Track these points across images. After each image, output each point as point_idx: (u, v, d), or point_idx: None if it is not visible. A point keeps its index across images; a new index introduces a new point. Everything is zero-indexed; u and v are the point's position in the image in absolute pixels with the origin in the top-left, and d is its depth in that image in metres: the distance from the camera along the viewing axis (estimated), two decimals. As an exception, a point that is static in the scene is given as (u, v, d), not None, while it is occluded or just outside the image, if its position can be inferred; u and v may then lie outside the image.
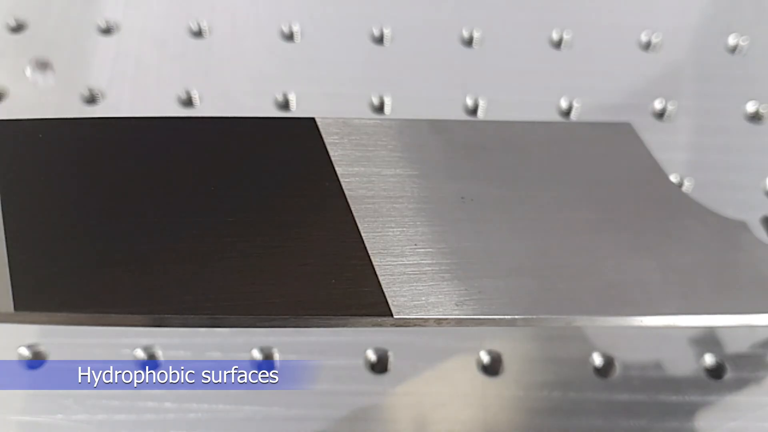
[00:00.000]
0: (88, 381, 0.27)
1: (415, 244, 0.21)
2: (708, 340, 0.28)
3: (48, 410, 0.26)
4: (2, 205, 0.20)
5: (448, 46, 0.36)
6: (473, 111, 0.34)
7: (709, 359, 0.28)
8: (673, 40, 0.37)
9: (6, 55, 0.35)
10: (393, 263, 0.21)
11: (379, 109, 0.34)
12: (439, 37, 0.36)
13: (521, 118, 0.26)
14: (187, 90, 0.34)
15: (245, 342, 0.28)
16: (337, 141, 0.23)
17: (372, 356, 0.28)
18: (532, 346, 0.28)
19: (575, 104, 0.34)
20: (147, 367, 0.27)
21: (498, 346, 0.28)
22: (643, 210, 0.24)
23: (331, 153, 0.23)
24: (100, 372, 0.27)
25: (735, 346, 0.28)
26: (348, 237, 0.21)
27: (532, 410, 0.27)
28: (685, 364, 0.28)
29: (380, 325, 0.20)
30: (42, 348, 0.27)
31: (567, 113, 0.34)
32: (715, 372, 0.28)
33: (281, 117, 0.33)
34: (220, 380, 0.27)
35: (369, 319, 0.20)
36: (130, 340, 0.28)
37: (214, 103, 0.34)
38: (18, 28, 0.35)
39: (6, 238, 0.20)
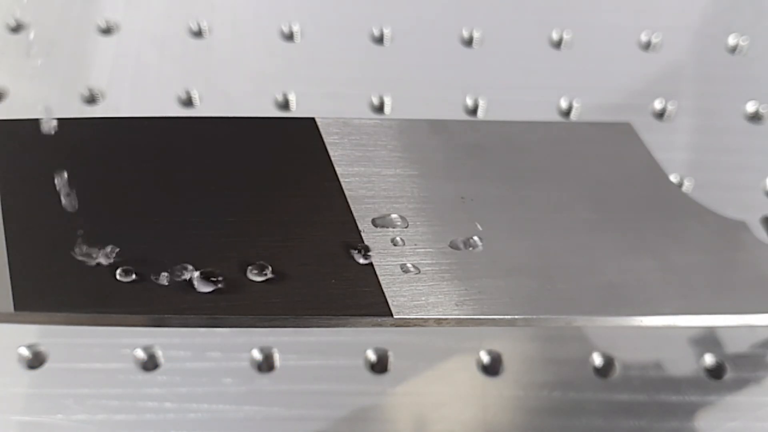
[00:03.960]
0: (88, 381, 0.27)
1: (415, 244, 0.21)
2: (708, 340, 0.28)
3: (48, 410, 0.26)
4: (2, 205, 0.20)
5: (448, 46, 0.36)
6: (473, 111, 0.34)
7: (709, 359, 0.28)
8: (673, 40, 0.37)
9: (6, 55, 0.35)
10: (393, 263, 0.21)
11: (379, 109, 0.34)
12: (439, 37, 0.36)
13: (521, 118, 0.26)
14: (187, 90, 0.34)
15: (245, 342, 0.28)
16: (337, 141, 0.23)
17: (372, 356, 0.28)
18: (532, 346, 0.28)
19: (575, 104, 0.34)
20: (147, 367, 0.27)
21: (498, 346, 0.28)
22: (643, 210, 0.24)
23: (331, 153, 0.23)
24: (100, 372, 0.27)
25: (735, 346, 0.28)
26: (348, 237, 0.21)
27: (532, 410, 0.27)
28: (685, 364, 0.28)
29: (380, 325, 0.20)
30: (42, 348, 0.27)
31: (567, 113, 0.34)
32: (715, 372, 0.28)
33: (281, 117, 0.33)
34: (220, 381, 0.27)
35: (369, 319, 0.20)
36: (130, 340, 0.28)
37: (214, 103, 0.34)
38: (18, 28, 0.35)
39: (6, 238, 0.20)
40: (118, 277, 0.19)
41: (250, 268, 0.20)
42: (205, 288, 0.20)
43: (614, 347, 0.28)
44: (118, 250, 0.20)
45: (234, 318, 0.20)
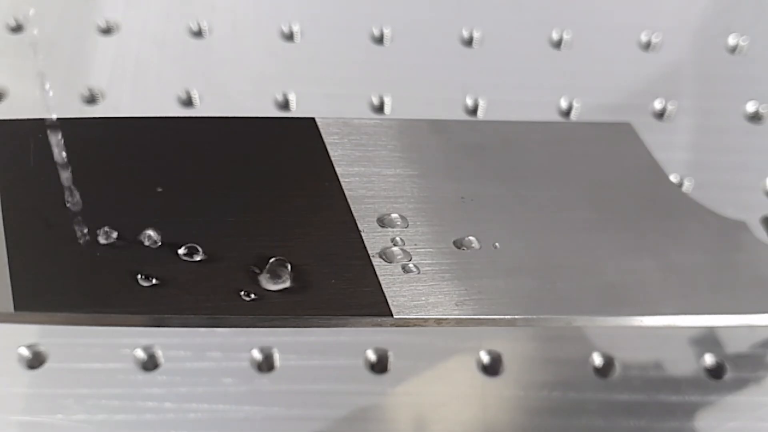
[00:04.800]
0: (88, 381, 0.27)
1: (415, 244, 0.21)
2: (708, 340, 0.28)
3: (48, 410, 0.26)
4: (2, 205, 0.20)
5: (448, 46, 0.36)
6: (473, 111, 0.34)
7: (709, 359, 0.28)
8: (673, 40, 0.37)
9: (6, 55, 0.35)
10: (393, 263, 0.21)
11: (379, 109, 0.34)
12: (439, 37, 0.36)
13: (521, 118, 0.26)
14: (187, 90, 0.34)
15: (245, 342, 0.28)
16: (337, 141, 0.23)
17: (372, 356, 0.28)
18: (532, 346, 0.28)
19: (575, 104, 0.34)
20: (147, 367, 0.27)
21: (498, 346, 0.28)
22: (643, 210, 0.24)
23: (331, 153, 0.23)
24: (100, 372, 0.27)
25: (735, 346, 0.28)
26: (348, 237, 0.21)
27: (532, 410, 0.27)
28: (685, 364, 0.28)
29: (380, 325, 0.20)
30: (42, 348, 0.27)
31: (567, 113, 0.34)
32: (715, 372, 0.28)
33: (281, 117, 0.33)
34: (220, 381, 0.27)
35: (369, 319, 0.20)
36: (130, 340, 0.28)
37: (214, 103, 0.34)
38: (18, 28, 0.35)
39: (6, 238, 0.20)
40: (139, 281, 0.20)
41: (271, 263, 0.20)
42: (273, 286, 0.20)
43: (614, 347, 0.28)
44: (116, 233, 0.20)
45: (234, 318, 0.20)
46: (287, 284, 0.20)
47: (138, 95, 0.34)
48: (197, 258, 0.20)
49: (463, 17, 0.37)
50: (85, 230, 0.20)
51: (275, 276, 0.20)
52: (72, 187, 0.21)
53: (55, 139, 0.21)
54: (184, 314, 0.19)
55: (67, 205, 0.21)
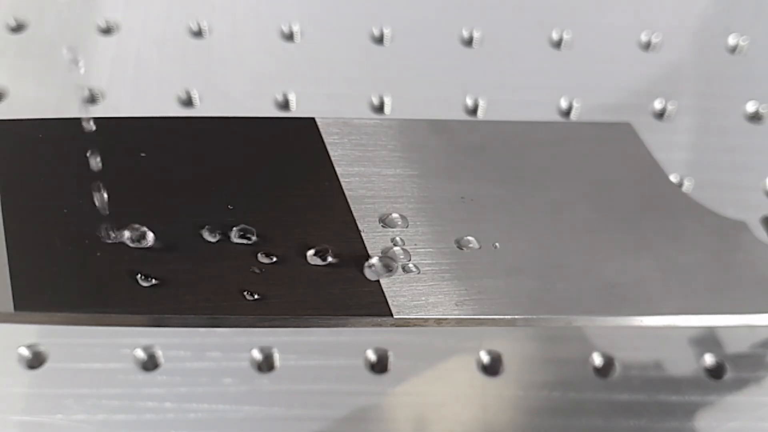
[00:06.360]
0: (88, 381, 0.27)
1: (415, 244, 0.21)
2: (708, 340, 0.28)
3: (48, 410, 0.26)
4: (2, 205, 0.20)
5: (448, 46, 0.36)
6: (473, 111, 0.34)
7: (709, 359, 0.28)
8: (673, 40, 0.37)
9: (6, 55, 0.35)
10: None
11: (379, 109, 0.34)
12: (439, 37, 0.36)
13: (521, 118, 0.26)
14: (187, 90, 0.34)
15: (245, 342, 0.28)
16: (337, 141, 0.23)
17: (372, 356, 0.28)
18: (532, 346, 0.28)
19: (575, 104, 0.34)
20: (147, 367, 0.27)
21: (498, 346, 0.28)
22: (643, 210, 0.24)
23: (331, 153, 0.23)
24: (100, 372, 0.27)
25: (735, 346, 0.28)
26: (348, 237, 0.21)
27: (532, 410, 0.27)
28: (685, 364, 0.28)
29: (380, 325, 0.20)
30: (42, 348, 0.27)
31: (567, 113, 0.34)
32: (715, 372, 0.28)
33: (281, 117, 0.33)
34: (220, 381, 0.27)
35: (369, 319, 0.20)
36: (130, 340, 0.28)
37: (214, 103, 0.34)
38: (18, 28, 0.35)
39: (6, 238, 0.20)
40: (139, 281, 0.20)
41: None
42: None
43: (614, 347, 0.28)
44: (144, 229, 0.20)
45: (234, 318, 0.20)
46: (394, 274, 0.20)
47: (138, 95, 0.34)
48: (330, 260, 0.20)
49: (463, 17, 0.37)
50: (85, 230, 0.20)
51: (387, 268, 0.20)
52: (72, 186, 0.21)
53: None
54: (184, 314, 0.19)
55: (66, 206, 0.21)
